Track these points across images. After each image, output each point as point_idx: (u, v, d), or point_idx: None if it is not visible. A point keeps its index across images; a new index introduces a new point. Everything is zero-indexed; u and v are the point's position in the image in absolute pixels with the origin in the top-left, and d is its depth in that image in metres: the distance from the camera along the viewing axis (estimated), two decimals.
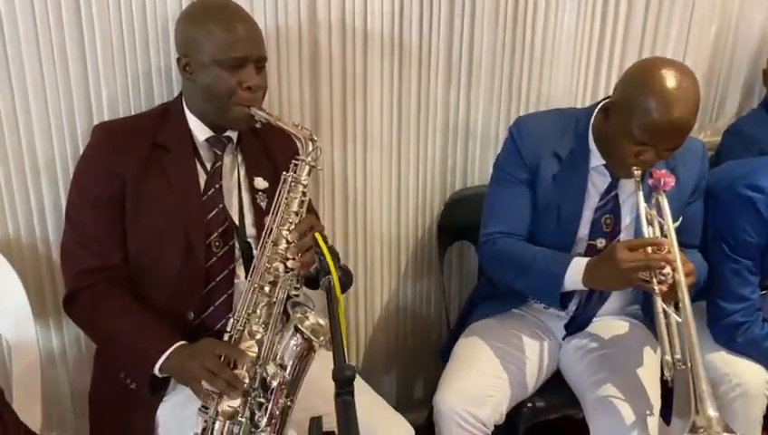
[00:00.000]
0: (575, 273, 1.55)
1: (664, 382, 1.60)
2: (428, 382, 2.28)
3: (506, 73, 2.05)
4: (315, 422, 0.88)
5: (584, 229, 1.67)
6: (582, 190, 1.65)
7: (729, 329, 1.76)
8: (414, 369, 2.32)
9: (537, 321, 1.83)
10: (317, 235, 1.23)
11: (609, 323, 1.79)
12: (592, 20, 2.08)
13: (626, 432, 1.52)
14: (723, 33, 2.33)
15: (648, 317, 1.75)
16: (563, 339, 1.81)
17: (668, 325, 1.44)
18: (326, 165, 1.92)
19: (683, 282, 1.41)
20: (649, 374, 1.65)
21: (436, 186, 2.11)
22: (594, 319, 1.80)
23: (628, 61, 2.14)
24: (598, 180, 1.66)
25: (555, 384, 1.79)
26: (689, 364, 1.37)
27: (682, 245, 1.55)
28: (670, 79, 1.45)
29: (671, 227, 1.50)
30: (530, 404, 1.75)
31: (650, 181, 1.58)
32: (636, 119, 1.47)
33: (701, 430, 1.30)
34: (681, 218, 1.63)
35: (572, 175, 1.64)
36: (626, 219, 1.67)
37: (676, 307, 1.44)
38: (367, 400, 1.57)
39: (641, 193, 1.55)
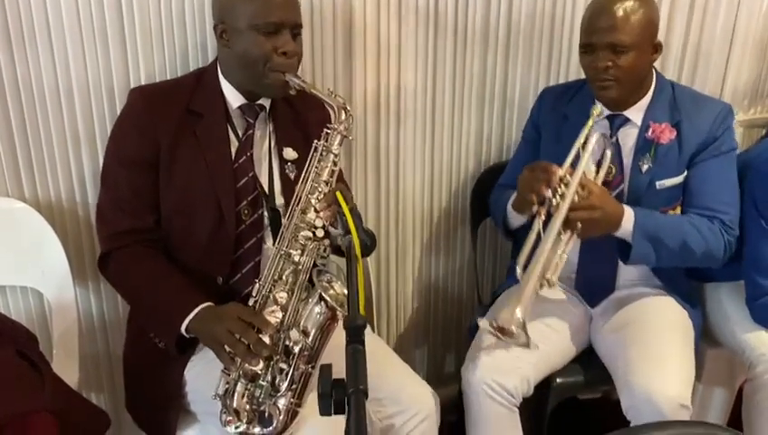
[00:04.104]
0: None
1: None
2: (459, 358, 2.28)
3: (546, 42, 2.00)
4: (325, 369, 0.87)
5: None
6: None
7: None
8: (445, 344, 2.32)
9: (566, 292, 1.83)
10: (338, 194, 1.23)
11: (636, 296, 1.77)
12: None
13: (659, 408, 1.47)
14: None
15: (662, 281, 1.78)
16: (592, 308, 1.80)
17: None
18: (359, 137, 1.92)
19: (563, 208, 1.52)
20: (681, 345, 1.62)
21: (471, 158, 2.08)
22: (621, 291, 1.79)
23: (675, 27, 2.07)
24: (601, 130, 1.71)
25: (587, 360, 1.76)
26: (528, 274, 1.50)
27: (691, 206, 1.67)
28: None
29: (584, 159, 1.60)
30: (559, 379, 1.72)
31: (646, 134, 1.67)
32: (581, 28, 1.65)
33: (503, 326, 1.48)
34: (685, 174, 1.69)
35: (573, 129, 1.70)
36: (627, 164, 1.71)
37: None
38: (393, 368, 1.58)
39: (590, 140, 1.64)
